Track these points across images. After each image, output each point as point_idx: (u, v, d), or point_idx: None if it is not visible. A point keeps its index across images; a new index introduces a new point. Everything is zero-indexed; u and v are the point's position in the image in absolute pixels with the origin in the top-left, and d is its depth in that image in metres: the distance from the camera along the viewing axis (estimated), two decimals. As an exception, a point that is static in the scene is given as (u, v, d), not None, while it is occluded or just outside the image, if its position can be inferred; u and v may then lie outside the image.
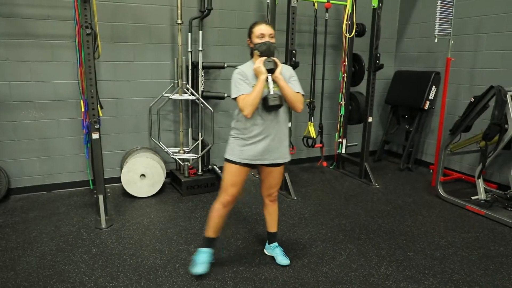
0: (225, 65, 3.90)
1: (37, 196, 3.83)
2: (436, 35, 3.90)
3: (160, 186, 3.85)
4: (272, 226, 2.70)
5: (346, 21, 4.15)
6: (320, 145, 4.61)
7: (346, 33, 4.05)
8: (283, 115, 2.40)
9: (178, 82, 3.84)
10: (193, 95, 3.80)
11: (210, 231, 2.49)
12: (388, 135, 5.29)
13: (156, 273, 2.50)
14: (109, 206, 3.51)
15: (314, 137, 4.39)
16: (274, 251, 2.68)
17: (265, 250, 2.77)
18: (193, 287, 2.36)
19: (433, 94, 4.71)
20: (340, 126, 4.73)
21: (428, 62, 4.88)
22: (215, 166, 4.00)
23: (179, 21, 3.68)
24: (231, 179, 2.41)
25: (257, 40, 2.30)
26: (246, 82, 2.28)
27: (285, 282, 2.43)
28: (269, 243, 2.74)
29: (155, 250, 2.80)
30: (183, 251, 2.79)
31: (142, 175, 3.78)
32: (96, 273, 2.49)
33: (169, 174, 4.19)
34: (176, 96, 3.76)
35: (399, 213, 3.56)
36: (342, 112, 4.65)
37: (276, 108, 2.27)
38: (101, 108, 3.21)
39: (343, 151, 4.82)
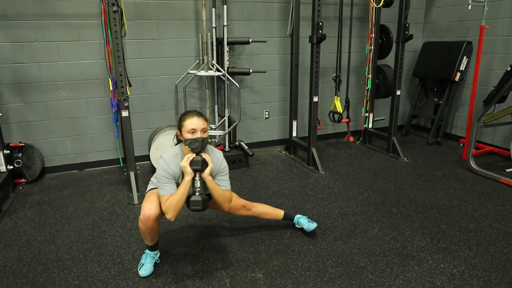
0: (250, 40, 3.85)
1: (69, 174, 3.94)
2: (470, 2, 3.72)
3: (188, 163, 3.88)
4: (276, 216, 2.68)
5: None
6: (347, 120, 4.54)
7: (373, 3, 3.90)
8: None
9: (203, 59, 3.82)
10: (219, 71, 3.78)
11: (147, 241, 2.30)
12: (416, 109, 5.16)
13: (190, 246, 2.55)
14: (140, 183, 3.57)
15: (341, 111, 4.32)
16: (299, 222, 2.68)
17: (295, 225, 2.77)
18: (227, 259, 2.40)
19: (464, 65, 4.53)
20: (366, 100, 4.63)
21: (459, 32, 4.68)
22: (242, 143, 4.00)
23: (203, -4, 3.63)
24: (148, 197, 2.24)
25: (188, 136, 2.07)
26: (171, 180, 2.12)
27: (318, 254, 2.44)
28: (291, 221, 2.73)
29: (188, 224, 2.85)
30: (215, 226, 2.83)
31: (170, 152, 3.81)
32: (133, 247, 2.57)
33: (196, 152, 4.22)
34: (202, 73, 3.74)
35: (429, 186, 3.50)
36: (369, 86, 4.55)
37: (198, 211, 2.12)
38: (130, 86, 3.23)
39: (370, 125, 4.73)
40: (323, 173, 3.83)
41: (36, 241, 2.65)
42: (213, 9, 3.78)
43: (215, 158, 2.21)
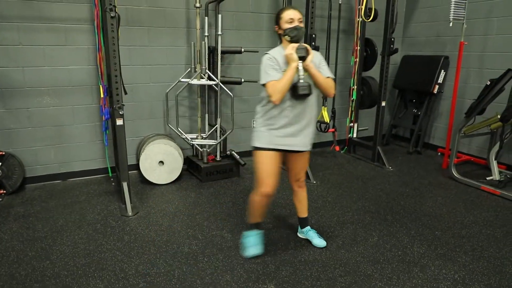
0: (242, 49, 3.86)
1: (53, 184, 3.76)
2: (451, 19, 3.94)
3: (179, 173, 3.82)
4: (303, 211, 2.72)
5: (359, 5, 4.14)
6: (333, 129, 4.64)
7: (363, 17, 4.03)
8: (313, 100, 2.36)
9: (195, 67, 3.78)
10: (211, 80, 3.76)
11: (254, 218, 2.50)
12: (396, 119, 5.36)
13: (195, 259, 2.50)
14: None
15: (328, 121, 4.41)
16: (308, 234, 2.71)
17: (298, 234, 2.79)
18: (235, 271, 2.37)
19: (442, 78, 4.77)
20: (351, 111, 4.76)
21: (437, 47, 4.93)
22: (233, 152, 3.99)
23: (198, 5, 3.61)
24: (266, 169, 2.36)
25: (286, 25, 2.23)
26: (276, 68, 2.23)
27: (325, 264, 2.47)
28: (301, 228, 2.76)
29: (188, 236, 2.79)
30: (216, 236, 2.79)
31: (160, 161, 3.74)
32: (135, 261, 2.48)
33: (185, 161, 4.16)
34: (196, 82, 3.71)
35: (418, 194, 3.63)
36: (354, 97, 4.68)
37: (305, 97, 2.24)
38: (125, 93, 3.14)
39: (355, 135, 4.86)
40: (314, 182, 3.88)
41: (28, 257, 2.50)
42: (206, 18, 3.76)
43: (314, 52, 2.31)
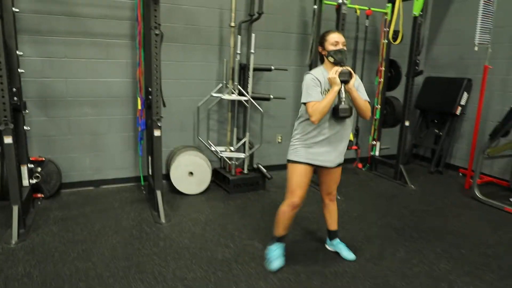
0: (272, 67, 4.02)
1: (86, 191, 3.92)
2: (476, 44, 4.05)
3: (208, 184, 3.95)
4: (333, 224, 2.82)
5: (386, 27, 4.29)
6: (356, 147, 4.74)
7: (390, 39, 4.17)
8: (349, 120, 2.47)
9: (226, 83, 3.95)
10: (242, 95, 3.92)
11: (280, 231, 2.58)
12: (417, 139, 5.43)
13: (229, 266, 2.60)
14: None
15: (352, 139, 4.52)
16: (338, 246, 2.80)
17: (326, 246, 2.88)
18: (269, 279, 2.46)
19: (465, 100, 4.85)
20: (374, 129, 4.86)
21: (459, 69, 5.03)
22: (260, 165, 4.11)
23: (232, 24, 3.80)
24: (298, 180, 2.46)
25: (331, 48, 2.35)
26: (318, 88, 2.33)
27: (354, 276, 2.54)
28: (330, 240, 2.85)
29: (220, 244, 2.90)
30: (248, 245, 2.90)
31: (190, 172, 3.88)
32: (171, 265, 2.59)
33: (212, 172, 4.29)
34: (228, 97, 3.87)
35: (441, 213, 3.69)
36: (378, 116, 4.79)
37: (345, 118, 2.37)
38: (164, 106, 3.31)
39: (377, 153, 4.94)
40: (338, 197, 3.96)
41: (71, 258, 2.63)
42: (239, 36, 3.95)
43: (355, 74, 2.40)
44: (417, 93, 5.42)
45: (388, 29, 4.36)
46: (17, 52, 3.15)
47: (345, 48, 2.38)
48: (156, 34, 3.05)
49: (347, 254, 2.74)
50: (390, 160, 4.76)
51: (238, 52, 3.96)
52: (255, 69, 4.04)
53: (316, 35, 4.14)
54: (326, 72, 2.38)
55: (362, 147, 5.11)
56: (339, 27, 3.76)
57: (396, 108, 4.73)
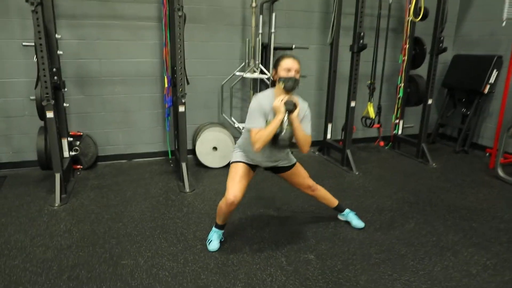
0: (294, 46, 4.12)
1: (120, 163, 4.26)
2: (504, 19, 3.94)
3: (230, 158, 4.17)
4: (331, 203, 2.92)
5: (409, 4, 4.26)
6: (378, 125, 4.79)
7: (412, 16, 4.15)
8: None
9: (249, 62, 4.11)
10: (264, 74, 4.07)
11: (218, 220, 2.57)
12: (444, 118, 5.37)
13: (244, 230, 2.83)
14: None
15: (373, 117, 4.57)
16: (349, 216, 2.94)
17: (338, 216, 3.02)
18: (280, 242, 2.66)
19: (494, 78, 4.74)
20: (397, 108, 4.87)
21: (490, 46, 4.88)
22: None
23: (254, 4, 3.93)
24: (233, 177, 2.44)
25: (283, 74, 2.29)
26: (263, 115, 2.31)
27: (362, 242, 2.69)
28: (340, 212, 2.99)
29: (238, 211, 3.12)
30: (263, 214, 3.10)
31: (214, 147, 4.11)
32: (192, 228, 2.85)
33: (236, 148, 4.51)
34: (249, 75, 4.04)
35: (459, 190, 3.71)
36: (401, 94, 4.79)
37: (284, 148, 2.42)
38: (187, 83, 3.52)
39: (400, 132, 4.96)
40: (357, 173, 4.07)
41: (105, 219, 2.95)
42: (261, 16, 4.07)
43: (302, 104, 2.39)
44: (444, 71, 5.33)
45: (410, 6, 4.31)
46: (56, 35, 3.46)
47: (298, 75, 2.32)
48: (180, 16, 3.24)
49: (357, 223, 2.88)
50: (414, 139, 4.76)
51: (260, 32, 4.09)
52: (276, 48, 4.17)
53: (337, 13, 4.19)
54: (273, 98, 2.33)
55: (385, 126, 5.14)
56: (359, 3, 3.78)
57: (420, 86, 4.71)
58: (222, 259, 2.45)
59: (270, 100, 2.34)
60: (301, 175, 2.71)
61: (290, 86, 2.29)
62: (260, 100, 2.34)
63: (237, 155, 2.55)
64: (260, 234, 2.77)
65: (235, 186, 2.40)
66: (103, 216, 3.00)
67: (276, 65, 2.37)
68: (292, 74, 2.29)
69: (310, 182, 2.75)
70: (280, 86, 2.32)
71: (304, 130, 2.37)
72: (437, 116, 5.49)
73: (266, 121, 2.34)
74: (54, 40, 3.43)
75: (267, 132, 2.27)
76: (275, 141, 2.35)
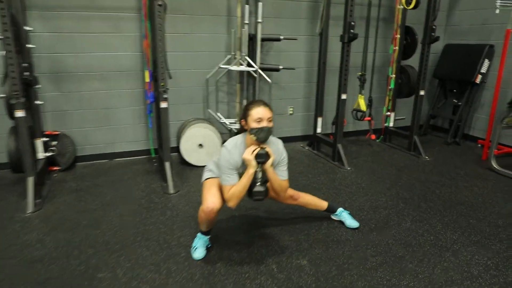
0: (281, 37, 3.94)
1: (100, 163, 4.04)
2: (498, 6, 3.82)
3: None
4: (320, 206, 2.77)
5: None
6: (369, 118, 4.65)
7: (404, 4, 3.99)
8: None
9: (235, 54, 3.91)
10: (251, 66, 3.87)
11: (201, 227, 2.41)
12: (435, 109, 5.26)
13: (233, 233, 2.66)
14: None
15: (364, 110, 4.43)
16: (342, 215, 2.79)
17: (332, 216, 2.87)
18: (270, 246, 2.50)
19: (486, 68, 4.63)
20: (389, 100, 4.73)
21: (481, 35, 4.77)
22: (269, 137, 4.10)
23: (238, -7, 3.72)
24: (207, 188, 2.33)
25: (254, 125, 2.10)
26: (234, 170, 2.18)
27: (357, 244, 2.55)
28: (333, 213, 2.84)
29: (225, 213, 2.94)
30: (250, 215, 2.94)
31: (199, 144, 3.92)
32: (177, 233, 2.66)
33: (222, 144, 4.32)
34: (235, 68, 3.84)
35: (453, 184, 3.60)
36: (392, 86, 4.65)
37: (260, 200, 2.26)
38: (170, 78, 3.31)
39: (391, 124, 4.83)
40: (348, 168, 3.93)
41: (81, 226, 2.75)
42: (247, 6, 3.87)
43: (276, 149, 2.26)
44: (435, 61, 5.21)
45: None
46: (26, 27, 3.21)
47: (270, 124, 2.13)
48: (159, 5, 3.02)
49: (351, 223, 2.74)
50: (406, 131, 4.64)
51: (246, 22, 3.89)
52: (263, 39, 3.98)
53: (327, 2, 4.01)
54: (244, 148, 2.19)
55: (376, 118, 5.01)
56: (349, -8, 3.60)
57: (411, 77, 4.58)
58: (209, 268, 2.28)
59: (240, 151, 2.19)
60: (278, 187, 2.40)
61: (263, 138, 2.11)
62: (230, 154, 2.17)
63: (210, 174, 2.42)
64: (249, 238, 2.60)
65: (212, 196, 2.25)
66: (80, 222, 2.79)
67: (245, 115, 2.16)
68: (264, 124, 2.10)
69: (289, 191, 2.53)
70: (252, 138, 2.13)
71: (280, 178, 2.25)
72: (428, 108, 5.38)
73: (239, 173, 2.19)
74: (24, 32, 3.18)
75: (239, 188, 2.15)
76: (250, 194, 2.22)
